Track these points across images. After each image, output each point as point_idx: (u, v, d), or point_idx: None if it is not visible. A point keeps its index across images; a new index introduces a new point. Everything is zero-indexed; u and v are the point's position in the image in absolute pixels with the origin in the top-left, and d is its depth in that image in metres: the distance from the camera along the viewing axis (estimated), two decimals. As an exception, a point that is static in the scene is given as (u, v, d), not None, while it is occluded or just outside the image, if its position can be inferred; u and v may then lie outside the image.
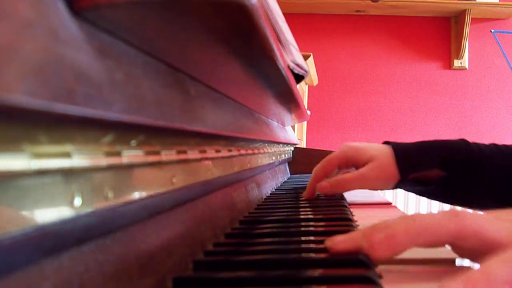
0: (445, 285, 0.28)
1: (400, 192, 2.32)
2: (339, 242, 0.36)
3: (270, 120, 0.93)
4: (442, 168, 0.71)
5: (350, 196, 0.84)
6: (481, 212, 0.37)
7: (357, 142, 0.75)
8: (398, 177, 0.71)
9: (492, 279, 0.28)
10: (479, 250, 0.34)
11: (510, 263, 0.29)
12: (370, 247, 0.34)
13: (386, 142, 0.75)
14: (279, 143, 0.95)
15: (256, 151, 0.72)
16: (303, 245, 0.43)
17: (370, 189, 0.77)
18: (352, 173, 0.71)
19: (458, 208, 0.37)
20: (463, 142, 0.72)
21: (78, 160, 0.22)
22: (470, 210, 0.36)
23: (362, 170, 0.71)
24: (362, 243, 0.34)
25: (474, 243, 0.34)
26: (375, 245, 0.34)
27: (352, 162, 0.74)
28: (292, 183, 1.05)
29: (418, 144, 0.72)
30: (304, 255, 0.39)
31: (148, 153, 0.30)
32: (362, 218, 0.59)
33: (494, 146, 0.73)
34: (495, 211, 0.38)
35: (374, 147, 0.73)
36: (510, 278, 0.28)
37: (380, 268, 0.36)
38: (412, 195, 2.34)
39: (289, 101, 0.74)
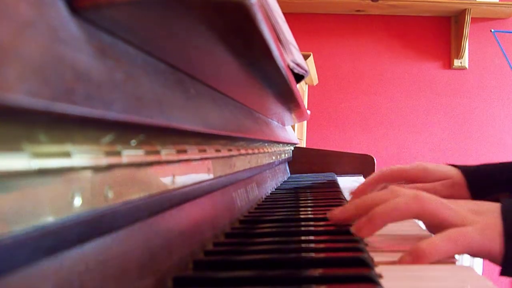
0: (400, 259, 0.38)
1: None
2: (335, 215, 0.49)
3: (270, 119, 0.93)
4: (509, 190, 0.73)
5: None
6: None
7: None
8: (469, 199, 0.71)
9: (435, 249, 0.38)
10: (436, 227, 0.44)
11: (452, 237, 0.40)
12: (356, 231, 0.44)
13: (451, 165, 0.76)
14: (279, 142, 0.95)
15: (256, 150, 0.72)
16: (303, 245, 0.43)
17: None
18: (424, 184, 0.72)
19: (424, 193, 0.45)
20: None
21: (78, 159, 0.22)
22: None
23: (435, 184, 0.72)
24: (352, 228, 0.45)
25: (431, 222, 0.45)
26: (360, 230, 0.44)
27: (420, 180, 0.75)
28: (292, 182, 1.05)
29: (487, 167, 0.74)
30: (304, 254, 0.39)
31: (148, 152, 0.30)
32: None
33: None
34: (454, 200, 0.47)
35: (444, 168, 0.75)
36: (452, 249, 0.39)
37: (380, 269, 0.36)
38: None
39: (289, 100, 0.74)
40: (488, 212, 0.44)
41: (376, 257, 0.39)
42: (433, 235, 0.46)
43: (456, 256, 0.41)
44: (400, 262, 0.38)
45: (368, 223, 0.44)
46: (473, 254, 0.42)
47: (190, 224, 0.40)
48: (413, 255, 0.38)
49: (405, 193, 0.45)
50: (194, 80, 0.43)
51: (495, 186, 0.74)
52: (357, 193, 0.76)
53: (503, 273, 0.42)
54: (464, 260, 2.14)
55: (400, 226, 0.49)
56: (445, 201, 0.45)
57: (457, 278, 0.34)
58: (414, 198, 0.44)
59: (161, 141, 0.33)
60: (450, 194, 0.70)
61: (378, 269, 0.36)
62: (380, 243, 0.46)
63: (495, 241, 0.41)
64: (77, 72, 0.22)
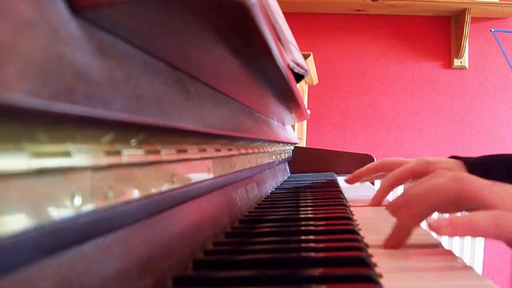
0: (434, 222, 0.36)
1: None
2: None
3: (270, 119, 0.93)
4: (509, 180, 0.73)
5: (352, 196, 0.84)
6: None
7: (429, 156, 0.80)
8: None
9: (474, 227, 0.36)
10: (477, 210, 0.40)
11: (497, 219, 0.37)
12: (393, 210, 0.42)
13: (453, 157, 0.80)
14: (279, 142, 0.95)
15: (256, 150, 0.72)
16: (303, 244, 0.43)
17: None
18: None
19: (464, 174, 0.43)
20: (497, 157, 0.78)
21: (78, 159, 0.22)
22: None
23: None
24: (387, 208, 0.43)
25: (473, 204, 0.40)
26: (397, 209, 0.41)
27: (423, 174, 0.75)
28: (292, 182, 1.05)
29: (486, 157, 0.78)
30: (304, 254, 0.39)
31: (148, 152, 0.30)
32: (362, 218, 0.59)
33: None
34: (498, 183, 0.44)
35: (447, 161, 0.78)
36: (490, 232, 0.36)
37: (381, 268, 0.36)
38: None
39: (289, 100, 0.74)
40: None
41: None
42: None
43: (457, 253, 0.40)
44: (433, 228, 0.36)
45: (405, 205, 0.41)
46: (509, 244, 0.39)
47: (190, 223, 0.40)
48: (451, 226, 0.36)
49: (446, 174, 0.42)
50: (194, 80, 0.43)
51: (494, 174, 0.73)
52: (353, 178, 0.78)
53: None
54: (465, 259, 2.14)
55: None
56: (488, 182, 0.42)
57: (456, 277, 0.34)
58: (454, 179, 0.41)
59: (161, 141, 0.33)
60: None
61: (378, 269, 0.35)
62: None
63: None
64: (77, 72, 0.22)
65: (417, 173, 0.75)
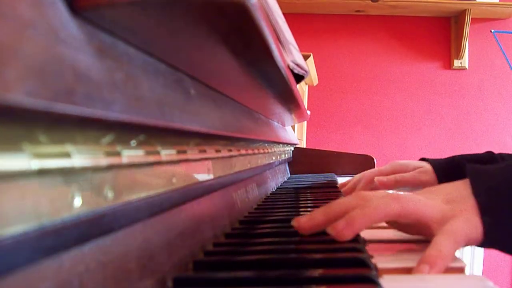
0: (415, 270, 0.37)
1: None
2: (303, 222, 0.45)
3: (270, 120, 0.93)
4: None
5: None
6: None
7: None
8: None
9: (445, 254, 0.38)
10: (416, 226, 0.45)
11: (451, 236, 0.41)
12: (336, 234, 0.42)
13: (422, 159, 0.88)
14: (279, 143, 0.95)
15: (256, 151, 0.72)
16: (303, 245, 0.43)
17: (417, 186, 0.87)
18: (404, 174, 0.84)
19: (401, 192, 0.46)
20: (488, 154, 0.84)
21: (78, 160, 0.22)
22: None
23: (413, 172, 0.84)
24: (329, 231, 0.42)
25: (411, 220, 0.44)
26: (340, 232, 0.42)
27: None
28: (292, 183, 1.05)
29: (451, 159, 0.86)
30: (304, 255, 0.39)
31: (148, 153, 0.30)
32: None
33: None
34: (427, 189, 0.50)
35: (415, 162, 0.87)
36: (455, 247, 0.40)
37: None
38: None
39: (289, 101, 0.74)
40: (461, 198, 0.45)
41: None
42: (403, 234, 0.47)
43: (457, 254, 0.41)
44: (416, 272, 0.37)
45: (348, 226, 0.42)
46: (466, 244, 0.43)
47: (190, 224, 0.40)
48: (429, 264, 0.37)
49: (378, 196, 0.44)
50: (194, 80, 0.43)
51: (459, 176, 0.79)
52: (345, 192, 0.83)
53: (484, 244, 0.44)
54: (465, 259, 2.14)
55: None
56: (420, 197, 0.45)
57: (456, 277, 0.34)
58: (393, 199, 0.44)
59: (161, 142, 0.33)
60: (426, 180, 0.82)
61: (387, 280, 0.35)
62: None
63: (478, 223, 0.43)
64: (77, 72, 0.22)
65: (390, 173, 0.85)
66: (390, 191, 0.46)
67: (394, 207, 0.43)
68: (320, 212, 0.45)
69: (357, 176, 0.90)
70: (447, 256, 0.39)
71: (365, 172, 0.89)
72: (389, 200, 0.43)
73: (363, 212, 0.42)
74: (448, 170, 0.83)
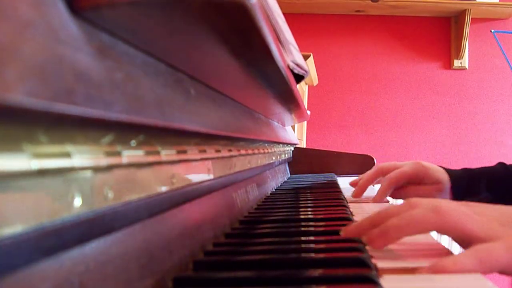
0: (418, 271, 0.35)
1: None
2: (350, 230, 0.44)
3: (270, 120, 0.93)
4: (488, 192, 0.82)
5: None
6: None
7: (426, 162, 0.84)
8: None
9: (459, 268, 0.35)
10: (459, 240, 0.41)
11: (479, 255, 0.36)
12: (368, 242, 0.41)
13: (440, 167, 0.85)
14: (279, 143, 0.95)
15: (256, 151, 0.72)
16: (303, 245, 0.43)
17: None
18: (424, 187, 0.81)
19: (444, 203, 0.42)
20: (501, 166, 0.84)
21: (78, 160, 0.22)
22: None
23: (432, 188, 0.81)
24: (363, 239, 0.41)
25: (453, 235, 0.41)
26: (372, 241, 0.41)
27: (420, 180, 0.82)
28: (292, 183, 1.05)
29: (468, 170, 0.84)
30: (304, 255, 0.39)
31: (148, 153, 0.30)
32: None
33: None
34: (479, 204, 0.46)
35: (438, 170, 0.83)
36: (478, 269, 0.36)
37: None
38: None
39: (289, 101, 0.74)
40: None
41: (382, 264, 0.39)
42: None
43: (457, 254, 0.40)
44: (419, 272, 0.35)
45: (381, 236, 0.40)
46: (502, 273, 0.38)
47: (190, 224, 0.40)
48: (434, 270, 0.35)
49: (423, 204, 0.41)
50: (194, 81, 0.43)
51: (476, 188, 0.82)
52: (359, 191, 0.81)
53: None
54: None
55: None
56: (468, 210, 0.42)
57: (456, 277, 0.34)
58: (433, 210, 0.40)
59: (161, 142, 0.33)
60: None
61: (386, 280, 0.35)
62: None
63: None
64: (77, 73, 0.22)
65: (412, 176, 0.81)
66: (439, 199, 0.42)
67: (433, 221, 0.40)
68: (369, 220, 0.43)
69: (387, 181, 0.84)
70: (459, 270, 0.35)
71: (390, 175, 0.81)
72: (429, 212, 0.40)
73: (399, 224, 0.40)
74: (464, 183, 0.82)
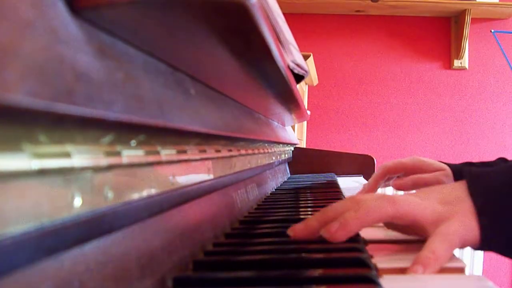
0: (409, 270, 0.36)
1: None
2: (298, 230, 0.45)
3: (270, 120, 0.93)
4: None
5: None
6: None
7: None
8: None
9: (438, 255, 0.38)
10: (410, 227, 0.45)
11: (445, 238, 0.40)
12: (330, 236, 0.42)
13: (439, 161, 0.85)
14: (279, 143, 0.95)
15: (256, 151, 0.72)
16: (303, 245, 0.43)
17: None
18: (425, 175, 0.80)
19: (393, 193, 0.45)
20: (501, 161, 0.85)
21: (78, 160, 0.22)
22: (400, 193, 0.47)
23: (436, 173, 0.80)
24: (322, 233, 0.42)
25: (406, 222, 0.44)
26: (334, 234, 0.42)
27: (420, 170, 0.82)
28: (292, 183, 1.05)
29: (470, 164, 0.84)
30: (304, 255, 0.39)
31: (148, 153, 0.30)
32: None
33: None
34: (422, 189, 0.50)
35: (437, 162, 0.83)
36: (450, 249, 0.40)
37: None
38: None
39: (289, 101, 0.74)
40: (457, 199, 0.45)
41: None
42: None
43: (457, 254, 0.41)
44: (410, 272, 0.37)
45: (341, 228, 0.41)
46: (462, 246, 0.43)
47: (190, 224, 0.40)
48: (422, 265, 0.37)
49: (373, 198, 0.44)
50: (194, 80, 0.43)
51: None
52: (368, 191, 0.80)
53: (481, 247, 0.44)
54: (465, 259, 2.14)
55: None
56: (415, 198, 0.45)
57: (456, 277, 0.34)
58: (388, 201, 0.43)
59: (161, 142, 0.33)
60: (447, 182, 0.78)
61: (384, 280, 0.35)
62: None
63: (474, 225, 0.43)
64: (77, 73, 0.22)
65: (409, 169, 0.81)
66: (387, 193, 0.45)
67: (388, 209, 0.43)
68: (315, 218, 0.45)
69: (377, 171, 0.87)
70: (440, 257, 0.38)
71: (385, 164, 0.85)
72: (383, 202, 0.43)
73: (356, 215, 0.42)
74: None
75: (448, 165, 0.83)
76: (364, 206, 0.43)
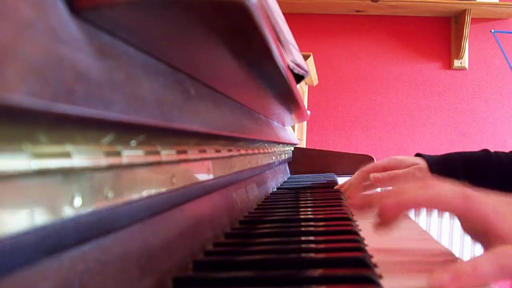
0: (435, 275, 0.31)
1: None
2: (357, 199, 0.43)
3: (270, 120, 0.93)
4: (467, 178, 0.79)
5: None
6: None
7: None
8: None
9: (479, 274, 0.32)
10: (481, 234, 0.38)
11: (500, 260, 0.33)
12: (380, 209, 0.38)
13: (418, 154, 0.86)
14: (279, 143, 0.95)
15: (256, 151, 0.72)
16: (303, 245, 0.43)
17: None
18: (398, 171, 0.81)
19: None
20: (484, 153, 0.83)
21: (78, 160, 0.22)
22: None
23: (409, 168, 0.81)
24: (376, 204, 0.39)
25: (476, 226, 0.38)
26: (385, 208, 0.38)
27: (395, 168, 0.83)
28: (292, 183, 1.05)
29: (446, 156, 0.84)
30: (304, 255, 0.39)
31: (148, 153, 0.30)
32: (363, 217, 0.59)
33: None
34: (495, 199, 0.40)
35: (411, 158, 0.84)
36: (496, 275, 0.32)
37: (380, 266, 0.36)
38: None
39: (289, 101, 0.74)
40: None
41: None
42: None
43: (457, 254, 0.40)
44: (434, 277, 0.31)
45: (397, 204, 0.38)
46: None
47: (190, 224, 0.40)
48: (453, 275, 0.31)
49: (451, 187, 0.38)
50: (194, 81, 0.43)
51: (453, 173, 0.81)
52: (351, 196, 0.80)
53: None
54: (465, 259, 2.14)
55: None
56: (492, 202, 0.38)
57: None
58: (462, 195, 0.38)
59: (161, 142, 0.33)
60: (420, 177, 0.78)
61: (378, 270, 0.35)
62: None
63: None
64: (77, 72, 0.22)
65: (387, 169, 0.82)
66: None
67: (458, 204, 0.38)
68: (377, 195, 0.42)
69: (355, 174, 0.88)
70: (478, 278, 0.32)
71: (362, 168, 0.86)
72: (458, 195, 0.38)
73: (417, 196, 0.38)
74: (442, 167, 0.82)
75: (425, 157, 0.84)
76: (435, 190, 0.39)
